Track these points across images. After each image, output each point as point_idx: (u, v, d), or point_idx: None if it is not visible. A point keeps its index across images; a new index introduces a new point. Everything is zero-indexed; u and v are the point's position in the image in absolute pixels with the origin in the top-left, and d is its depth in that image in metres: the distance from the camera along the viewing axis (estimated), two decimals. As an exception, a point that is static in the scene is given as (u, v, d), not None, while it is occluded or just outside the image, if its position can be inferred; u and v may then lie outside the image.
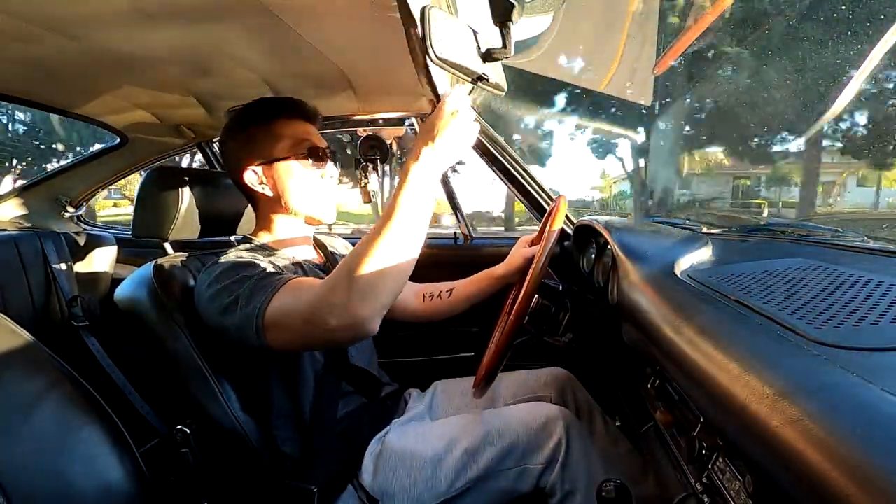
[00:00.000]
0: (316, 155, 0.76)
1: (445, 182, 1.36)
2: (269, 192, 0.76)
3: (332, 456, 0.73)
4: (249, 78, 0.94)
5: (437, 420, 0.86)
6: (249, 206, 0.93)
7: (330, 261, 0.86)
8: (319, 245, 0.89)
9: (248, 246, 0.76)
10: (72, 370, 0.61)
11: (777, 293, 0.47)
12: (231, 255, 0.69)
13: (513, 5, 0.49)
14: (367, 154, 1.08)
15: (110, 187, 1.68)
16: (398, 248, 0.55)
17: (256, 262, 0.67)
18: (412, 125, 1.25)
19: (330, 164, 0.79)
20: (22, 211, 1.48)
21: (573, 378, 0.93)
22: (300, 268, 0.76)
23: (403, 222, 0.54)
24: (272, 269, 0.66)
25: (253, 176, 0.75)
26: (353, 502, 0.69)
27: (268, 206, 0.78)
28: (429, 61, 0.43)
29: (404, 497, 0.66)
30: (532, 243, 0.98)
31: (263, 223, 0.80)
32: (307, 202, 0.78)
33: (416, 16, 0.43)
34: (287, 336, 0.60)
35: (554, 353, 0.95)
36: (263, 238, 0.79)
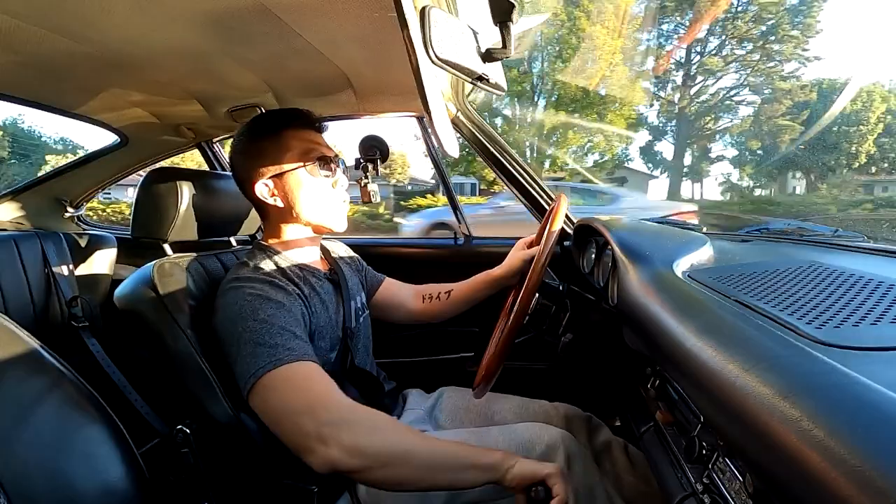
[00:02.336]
0: (325, 163, 0.76)
1: (444, 181, 1.36)
2: (279, 204, 0.76)
3: None
4: (249, 78, 0.95)
5: (436, 431, 0.85)
6: (251, 206, 0.93)
7: (333, 266, 0.86)
8: (324, 250, 0.89)
9: (263, 255, 0.76)
10: (72, 370, 0.61)
11: (777, 293, 0.47)
12: (260, 281, 0.68)
13: (513, 5, 0.49)
14: (367, 154, 1.08)
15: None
16: (418, 475, 0.56)
17: (284, 306, 0.66)
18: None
19: (340, 172, 0.79)
20: (22, 211, 1.48)
21: (581, 416, 0.89)
22: (309, 284, 0.75)
23: (440, 469, 0.56)
24: (295, 329, 0.65)
25: (264, 188, 0.75)
26: None
27: (278, 217, 0.78)
28: (421, 65, 0.43)
29: None
30: (530, 245, 0.98)
31: (273, 231, 0.79)
32: (318, 212, 0.77)
33: (409, 18, 0.42)
34: (263, 413, 0.60)
35: (554, 352, 0.95)
36: (272, 243, 0.79)
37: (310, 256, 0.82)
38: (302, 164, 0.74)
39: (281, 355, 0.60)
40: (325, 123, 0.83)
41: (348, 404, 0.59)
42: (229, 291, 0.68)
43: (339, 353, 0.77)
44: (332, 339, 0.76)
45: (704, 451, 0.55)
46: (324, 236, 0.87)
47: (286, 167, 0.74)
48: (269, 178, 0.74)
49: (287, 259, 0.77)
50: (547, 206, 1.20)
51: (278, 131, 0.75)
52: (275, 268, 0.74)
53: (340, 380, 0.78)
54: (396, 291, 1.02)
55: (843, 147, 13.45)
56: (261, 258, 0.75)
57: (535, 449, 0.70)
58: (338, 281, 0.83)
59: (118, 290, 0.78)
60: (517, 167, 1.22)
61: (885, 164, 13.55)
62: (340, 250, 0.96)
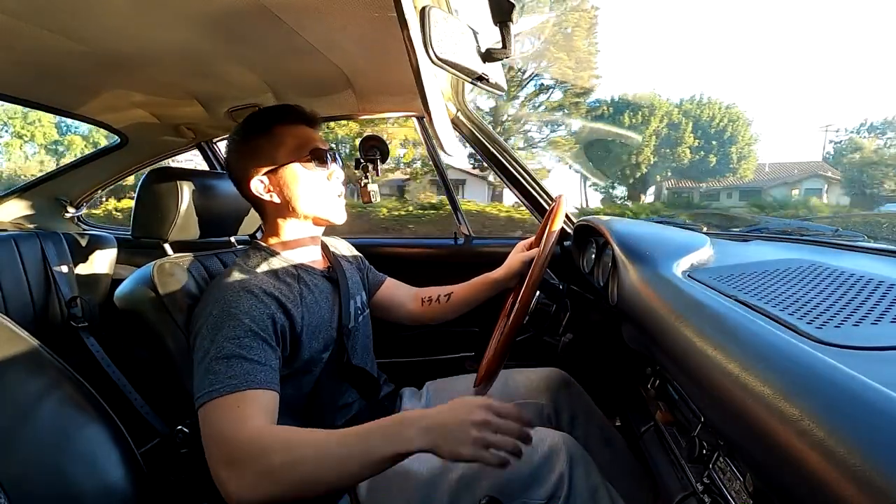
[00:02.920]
0: (319, 157, 0.76)
1: (444, 181, 1.36)
2: (276, 199, 0.76)
3: None
4: (249, 78, 0.95)
5: None
6: (250, 206, 0.93)
7: (333, 263, 0.86)
8: (324, 248, 0.89)
9: (257, 256, 0.76)
10: (72, 370, 0.61)
11: (777, 293, 0.47)
12: (237, 288, 0.67)
13: (513, 5, 0.49)
14: (367, 154, 1.08)
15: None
16: (326, 473, 0.53)
17: (243, 323, 0.63)
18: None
19: (335, 165, 0.79)
20: (22, 211, 1.48)
21: (569, 379, 0.92)
22: (303, 282, 0.75)
23: (343, 457, 0.53)
24: (247, 351, 0.62)
25: (259, 185, 0.75)
26: None
27: (276, 213, 0.78)
28: (421, 65, 0.43)
29: None
30: (530, 247, 0.98)
31: (272, 229, 0.79)
32: (315, 204, 0.77)
33: (409, 18, 0.42)
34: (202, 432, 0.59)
35: (554, 352, 0.95)
36: (271, 242, 0.79)
37: (309, 255, 0.82)
38: (296, 158, 0.75)
39: (219, 385, 0.59)
40: (319, 118, 0.82)
41: (257, 439, 0.56)
42: (209, 294, 0.69)
43: (333, 352, 0.77)
44: (325, 339, 0.76)
45: (704, 451, 0.55)
46: (325, 234, 0.87)
47: (280, 162, 0.74)
48: (265, 174, 0.74)
49: (283, 259, 0.77)
50: (547, 206, 1.20)
51: (270, 128, 0.75)
52: (267, 269, 0.73)
53: (336, 379, 0.78)
54: (396, 292, 1.02)
55: (623, 158, 14.96)
56: (255, 259, 0.75)
57: (537, 451, 0.70)
58: (336, 279, 0.83)
59: (118, 290, 0.78)
60: (517, 167, 1.22)
61: (669, 173, 15.81)
62: (343, 248, 0.95)
